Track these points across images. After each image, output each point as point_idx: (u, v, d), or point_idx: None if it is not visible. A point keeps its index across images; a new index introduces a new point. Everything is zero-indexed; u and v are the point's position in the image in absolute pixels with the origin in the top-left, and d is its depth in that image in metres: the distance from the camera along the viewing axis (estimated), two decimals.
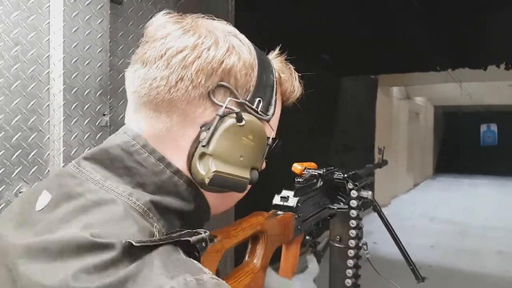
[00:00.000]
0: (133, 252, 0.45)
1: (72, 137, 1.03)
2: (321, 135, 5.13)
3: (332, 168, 1.05)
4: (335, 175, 1.05)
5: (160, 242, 0.46)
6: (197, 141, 0.56)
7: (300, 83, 0.70)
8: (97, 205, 0.50)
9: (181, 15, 0.58)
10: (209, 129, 0.55)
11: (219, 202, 0.63)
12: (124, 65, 1.16)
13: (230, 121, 0.56)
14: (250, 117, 0.59)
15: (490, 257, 4.76)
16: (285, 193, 0.84)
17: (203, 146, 0.55)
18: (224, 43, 0.56)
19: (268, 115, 0.62)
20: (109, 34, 1.11)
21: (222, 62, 0.55)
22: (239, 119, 0.57)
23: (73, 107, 1.02)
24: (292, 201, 0.83)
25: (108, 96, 1.11)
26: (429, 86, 8.46)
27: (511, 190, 9.91)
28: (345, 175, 1.05)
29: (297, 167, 0.95)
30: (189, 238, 0.48)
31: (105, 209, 0.49)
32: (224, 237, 0.61)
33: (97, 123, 1.09)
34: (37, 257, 0.46)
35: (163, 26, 0.56)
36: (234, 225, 0.68)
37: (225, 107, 0.56)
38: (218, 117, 0.55)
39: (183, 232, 0.50)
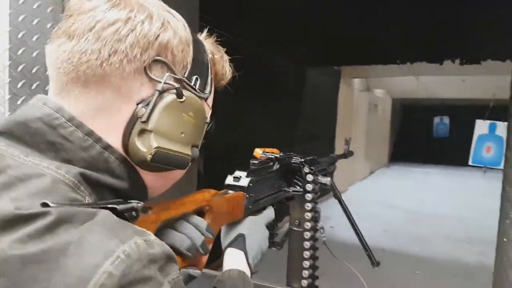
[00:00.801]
0: (68, 219, 0.42)
1: (19, 103, 0.97)
2: (285, 123, 5.17)
3: (291, 153, 1.06)
4: (293, 159, 1.06)
5: (83, 207, 0.44)
6: (134, 117, 0.54)
7: (231, 66, 0.70)
8: (20, 180, 0.46)
9: None
10: (147, 105, 0.53)
11: (157, 182, 0.61)
12: None
13: (171, 97, 0.55)
14: (190, 94, 0.58)
15: (439, 242, 5.03)
16: (238, 173, 0.84)
17: (143, 122, 0.53)
18: (158, 18, 0.55)
19: (205, 94, 0.62)
20: (62, 8, 1.04)
21: (158, 36, 0.54)
22: (180, 95, 0.56)
23: (19, 85, 0.96)
24: (244, 181, 0.83)
25: None
26: (388, 79, 8.73)
27: (460, 179, 10.47)
28: (302, 160, 1.06)
29: (257, 151, 0.95)
30: (116, 206, 0.47)
31: (30, 183, 0.46)
32: (160, 209, 0.59)
33: (46, 87, 1.03)
34: None
35: None
36: (176, 199, 0.66)
37: (164, 83, 0.54)
38: (157, 93, 0.54)
39: (111, 201, 0.48)
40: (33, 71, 0.99)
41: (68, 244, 0.41)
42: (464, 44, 4.00)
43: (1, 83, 0.94)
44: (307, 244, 1.08)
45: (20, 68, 0.96)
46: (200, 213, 0.73)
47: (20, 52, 0.96)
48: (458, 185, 9.63)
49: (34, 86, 1.00)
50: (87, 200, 0.49)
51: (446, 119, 12.20)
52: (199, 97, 0.60)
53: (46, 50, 0.55)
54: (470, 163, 5.80)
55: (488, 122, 5.65)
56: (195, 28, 0.63)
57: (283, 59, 4.87)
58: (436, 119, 12.35)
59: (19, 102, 0.97)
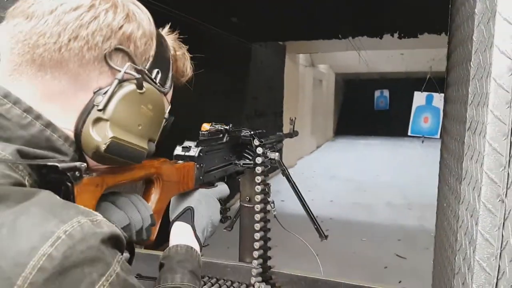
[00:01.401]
0: (2, 198, 0.40)
1: None
2: (233, 100, 5.15)
3: (241, 127, 1.06)
4: (242, 132, 1.06)
5: (21, 162, 0.42)
6: (90, 105, 0.52)
7: (191, 64, 0.70)
8: None
9: None
10: (105, 93, 0.52)
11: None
12: None
13: (130, 86, 0.54)
14: (149, 86, 0.57)
15: (382, 209, 5.35)
16: (187, 143, 0.83)
17: (99, 110, 0.51)
18: (123, 8, 0.54)
19: (165, 88, 0.62)
20: None
21: (121, 26, 0.53)
22: (140, 86, 0.55)
23: None
24: (194, 151, 0.82)
25: None
26: (331, 54, 8.94)
27: (400, 149, 11.10)
28: (252, 132, 1.07)
29: (205, 126, 0.94)
30: (57, 164, 0.45)
31: None
32: (106, 172, 0.56)
33: None
34: None
35: None
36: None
37: (124, 72, 0.53)
38: (116, 81, 0.52)
39: (52, 159, 0.46)
40: None
41: (1, 226, 0.38)
42: (402, 18, 4.16)
43: None
44: (257, 217, 1.10)
45: None
46: (149, 181, 0.71)
47: None
48: (398, 155, 10.22)
49: None
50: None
51: (386, 92, 12.78)
52: (159, 91, 0.59)
53: None
54: (409, 133, 6.15)
55: (425, 93, 5.99)
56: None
57: (228, 35, 4.81)
58: (377, 93, 12.90)
59: None
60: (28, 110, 0.48)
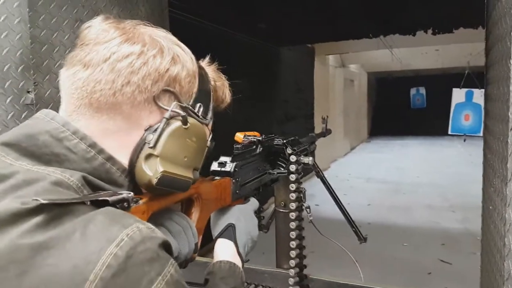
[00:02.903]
0: (71, 212, 0.46)
1: None
2: (263, 105, 5.16)
3: (272, 135, 1.07)
4: (275, 141, 1.07)
5: (75, 201, 0.47)
6: (142, 142, 0.58)
7: (230, 90, 0.75)
8: (27, 183, 0.48)
9: (118, 21, 0.60)
10: (155, 131, 0.58)
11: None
12: (46, 36, 1.06)
13: (176, 123, 0.60)
14: (193, 120, 0.63)
15: (421, 211, 5.17)
16: (222, 159, 0.85)
17: (150, 147, 0.57)
18: (169, 52, 0.59)
19: (207, 119, 0.67)
20: (27, 3, 1.00)
21: (168, 69, 0.58)
22: (185, 122, 0.60)
23: None
24: (230, 166, 0.84)
25: (32, 71, 1.02)
26: (362, 53, 8.78)
27: (440, 149, 10.73)
28: (284, 141, 1.07)
29: (239, 136, 0.95)
30: (107, 198, 0.49)
31: (37, 185, 0.48)
32: (150, 199, 0.60)
33: (21, 101, 1.01)
34: None
35: (105, 30, 0.57)
36: None
37: (171, 111, 0.58)
38: (164, 120, 0.58)
39: (101, 193, 0.51)
40: (5, 69, 0.96)
41: (73, 232, 0.44)
42: (436, 14, 4.03)
43: None
44: (293, 225, 1.10)
45: None
46: (189, 201, 0.73)
47: None
48: (437, 155, 9.88)
49: (7, 84, 0.97)
50: (88, 203, 0.50)
51: (422, 90, 12.39)
52: (202, 123, 0.65)
53: (61, 75, 0.58)
54: (449, 132, 5.93)
55: (464, 90, 5.76)
56: (165, 16, 0.63)
57: (256, 40, 4.83)
58: (412, 91, 12.53)
59: None
60: (92, 145, 0.55)
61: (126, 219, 0.47)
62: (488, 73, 1.11)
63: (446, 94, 5.91)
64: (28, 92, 1.02)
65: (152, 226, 0.48)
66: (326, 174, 1.26)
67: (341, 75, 9.46)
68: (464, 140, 5.40)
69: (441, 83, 8.98)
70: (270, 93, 5.57)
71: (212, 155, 0.86)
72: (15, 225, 0.44)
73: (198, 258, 0.60)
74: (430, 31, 4.76)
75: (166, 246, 0.48)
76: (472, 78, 5.39)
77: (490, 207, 0.94)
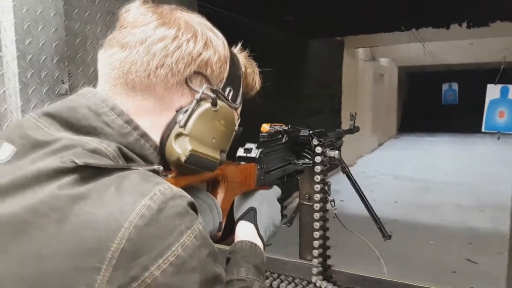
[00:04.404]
0: (108, 171, 0.49)
1: (31, 107, 0.99)
2: (289, 98, 5.15)
3: (299, 126, 1.07)
4: (301, 132, 1.07)
5: (110, 166, 0.50)
6: (173, 122, 0.61)
7: (260, 78, 0.77)
8: (67, 148, 0.52)
9: (156, 6, 0.62)
10: (186, 112, 0.60)
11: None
12: (80, 29, 1.10)
13: (206, 105, 0.63)
14: (223, 104, 0.65)
15: (449, 210, 5.04)
16: (248, 145, 0.87)
17: (181, 127, 0.60)
18: (202, 37, 0.62)
19: (236, 104, 0.70)
20: None
21: (200, 54, 0.61)
22: (214, 104, 0.63)
23: (29, 75, 0.98)
24: (255, 153, 0.86)
25: (66, 63, 1.06)
26: (393, 46, 8.56)
27: (472, 147, 10.39)
28: (311, 132, 1.08)
29: (265, 127, 0.97)
30: (138, 167, 0.53)
31: (76, 149, 0.52)
32: (178, 175, 0.63)
33: (56, 91, 1.05)
34: (14, 191, 0.49)
35: (143, 14, 0.60)
36: None
37: (202, 93, 0.61)
38: (195, 101, 0.61)
39: (133, 164, 0.55)
40: (41, 60, 1.00)
41: (109, 186, 0.48)
42: (470, 6, 3.87)
43: (11, 74, 0.95)
44: (317, 216, 1.10)
45: (28, 58, 0.97)
46: (215, 182, 0.75)
47: (27, 42, 0.97)
48: (469, 153, 9.57)
49: (43, 75, 1.01)
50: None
51: (454, 86, 11.98)
52: (231, 107, 0.68)
53: (99, 56, 0.62)
54: (483, 129, 5.73)
55: (499, 86, 5.55)
56: (194, 8, 0.65)
57: (284, 33, 4.80)
58: (445, 86, 12.13)
59: (30, 92, 0.98)
60: (128, 122, 0.58)
61: (158, 179, 0.51)
62: None
63: (479, 90, 5.70)
64: (63, 82, 1.07)
65: (180, 188, 0.52)
66: (352, 170, 1.25)
67: (370, 69, 9.27)
68: (498, 138, 5.21)
69: (474, 78, 8.68)
70: (297, 86, 5.54)
71: (239, 142, 0.88)
72: (55, 180, 0.48)
73: (220, 246, 0.62)
74: (464, 25, 4.60)
75: (194, 207, 0.52)
76: (508, 73, 5.18)
77: None
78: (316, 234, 1.10)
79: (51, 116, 0.56)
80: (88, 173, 0.49)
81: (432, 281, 1.19)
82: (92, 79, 0.62)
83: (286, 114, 4.88)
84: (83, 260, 0.44)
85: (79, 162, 0.48)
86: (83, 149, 0.52)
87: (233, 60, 0.68)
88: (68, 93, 1.07)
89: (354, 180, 1.30)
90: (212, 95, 0.63)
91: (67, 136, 0.54)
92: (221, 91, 0.65)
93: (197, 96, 0.61)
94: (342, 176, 1.34)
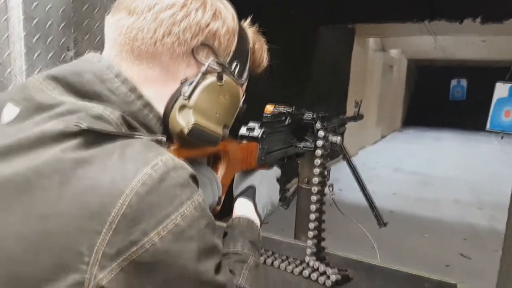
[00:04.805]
0: (111, 137, 0.50)
1: (35, 72, 0.99)
2: (295, 84, 5.11)
3: (303, 109, 1.07)
4: (305, 115, 1.07)
5: (113, 133, 0.50)
6: (177, 93, 0.60)
7: (268, 55, 0.75)
8: (71, 113, 0.52)
9: None
10: (191, 84, 0.59)
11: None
12: None
13: (212, 78, 0.62)
14: (228, 78, 0.64)
15: (447, 205, 5.05)
16: (251, 124, 0.87)
17: (185, 99, 0.59)
18: (211, 7, 0.60)
19: (242, 79, 0.69)
20: None
21: (208, 24, 0.59)
22: (220, 78, 0.62)
23: (34, 39, 0.97)
24: (258, 132, 0.86)
25: (72, 30, 1.05)
26: (404, 38, 8.45)
27: (475, 145, 10.36)
28: (314, 115, 1.07)
29: (269, 108, 0.96)
30: (142, 136, 0.53)
31: (80, 114, 0.52)
32: (181, 146, 0.63)
33: (62, 58, 1.04)
34: (17, 151, 0.49)
35: None
36: None
37: (208, 66, 0.60)
38: (200, 74, 0.60)
39: (137, 132, 0.55)
40: (47, 25, 0.99)
41: (112, 152, 0.48)
42: (486, 1, 3.81)
43: (16, 37, 0.95)
44: (314, 199, 1.11)
45: (34, 22, 0.96)
46: (216, 157, 0.76)
47: (33, 6, 0.96)
48: (472, 150, 9.54)
49: (48, 40, 1.00)
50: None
51: (463, 82, 11.88)
52: (236, 82, 0.67)
53: (106, 21, 0.61)
54: (487, 127, 5.69)
55: (508, 85, 5.49)
56: None
57: (294, 17, 4.74)
58: (453, 82, 12.03)
59: (35, 57, 0.98)
60: (132, 90, 0.57)
61: (161, 149, 0.52)
62: None
63: (488, 88, 5.65)
64: (68, 50, 1.06)
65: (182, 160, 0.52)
66: (353, 160, 1.25)
67: (380, 59, 9.17)
68: (502, 137, 5.18)
69: (484, 76, 8.57)
70: (304, 72, 5.49)
71: (241, 120, 0.88)
72: (59, 143, 0.48)
73: (218, 223, 0.62)
74: (478, 20, 4.53)
75: (195, 179, 0.52)
76: None
77: None
78: (312, 217, 1.10)
79: (55, 79, 0.56)
80: (92, 138, 0.49)
81: (425, 272, 1.21)
82: (98, 48, 0.61)
83: (291, 99, 4.85)
84: (85, 223, 0.45)
85: (84, 126, 0.48)
86: (87, 114, 0.51)
87: (241, 34, 0.67)
88: (73, 60, 1.06)
89: (354, 167, 1.30)
90: (218, 68, 0.62)
91: (71, 101, 0.54)
92: (227, 66, 0.64)
93: (203, 68, 0.60)
94: (342, 165, 1.34)
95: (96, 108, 0.53)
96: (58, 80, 0.56)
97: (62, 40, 1.04)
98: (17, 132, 0.51)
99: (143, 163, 0.48)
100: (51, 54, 1.02)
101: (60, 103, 0.53)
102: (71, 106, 0.52)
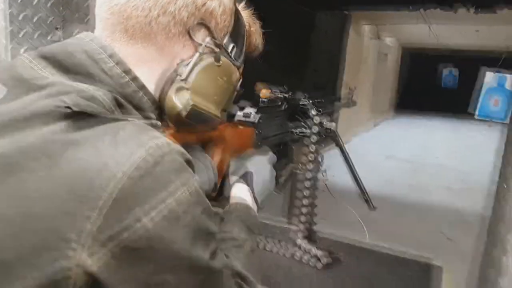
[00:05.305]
0: (105, 120, 0.48)
1: (21, 52, 0.96)
2: (293, 72, 5.08)
3: (300, 93, 1.07)
4: (301, 101, 1.07)
5: (108, 116, 0.49)
6: (174, 75, 0.58)
7: (263, 39, 0.74)
8: (62, 94, 0.50)
9: None
10: (187, 65, 0.58)
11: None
12: None
13: (209, 59, 0.60)
14: (226, 60, 0.63)
15: (439, 192, 5.11)
16: (248, 109, 0.86)
17: (182, 80, 0.57)
18: None
19: (239, 62, 0.67)
20: None
21: (205, 3, 0.58)
22: (217, 59, 0.60)
23: (20, 17, 0.94)
24: (254, 117, 0.86)
25: (61, 8, 1.02)
26: (399, 26, 8.42)
27: (465, 133, 10.41)
28: (310, 101, 1.07)
29: (265, 93, 0.96)
30: (136, 119, 0.52)
31: (71, 95, 0.50)
32: (176, 132, 0.63)
33: (49, 37, 1.02)
34: (3, 132, 0.46)
35: None
36: None
37: (205, 46, 0.59)
38: (198, 54, 0.59)
39: (131, 116, 0.53)
40: (34, 2, 0.96)
41: (104, 134, 0.47)
42: None
43: (1, 15, 0.92)
44: (307, 183, 1.12)
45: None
46: (212, 143, 0.76)
47: None
48: (461, 138, 9.60)
49: (35, 18, 0.97)
50: None
51: (455, 71, 11.94)
52: (234, 65, 0.65)
53: (97, 0, 0.59)
54: (476, 116, 5.76)
55: (498, 75, 5.54)
56: None
57: (291, 2, 4.69)
58: (445, 71, 12.09)
59: (21, 35, 0.95)
60: (127, 71, 0.55)
61: (156, 133, 0.50)
62: None
63: (479, 77, 5.69)
64: (57, 29, 1.03)
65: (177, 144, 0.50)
66: (346, 147, 1.25)
67: (375, 47, 9.12)
68: (490, 126, 5.24)
69: (475, 65, 8.60)
70: (301, 60, 5.46)
71: (238, 104, 0.87)
72: (48, 124, 0.47)
73: (214, 209, 0.62)
74: (472, 10, 4.53)
75: (191, 164, 0.51)
76: (509, 63, 5.15)
77: (505, 185, 0.93)
78: (305, 201, 1.11)
79: (46, 58, 0.54)
80: (83, 120, 0.47)
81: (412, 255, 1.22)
82: (87, 29, 0.59)
83: (290, 86, 4.83)
84: (74, 207, 0.43)
85: (75, 108, 0.46)
86: (79, 95, 0.50)
87: (238, 16, 0.65)
88: (62, 40, 1.04)
89: (347, 152, 1.31)
90: (216, 49, 0.60)
91: (62, 81, 0.52)
92: (224, 47, 0.62)
93: (200, 48, 0.59)
94: (334, 152, 1.34)
95: (88, 89, 0.51)
96: (49, 59, 0.54)
97: (50, 19, 1.01)
98: (4, 112, 0.49)
99: (137, 146, 0.46)
100: (38, 33, 0.99)
101: (51, 84, 0.51)
102: (62, 87, 0.51)
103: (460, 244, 3.48)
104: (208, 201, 0.53)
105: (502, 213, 0.88)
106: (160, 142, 0.48)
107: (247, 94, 0.95)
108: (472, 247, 2.87)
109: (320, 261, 1.08)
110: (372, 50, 8.94)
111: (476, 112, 5.34)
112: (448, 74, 12.11)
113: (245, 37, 0.68)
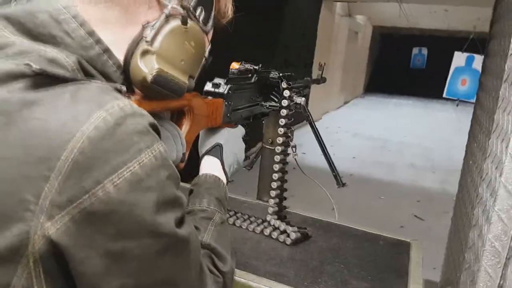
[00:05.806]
0: (64, 79, 0.46)
1: None
2: (264, 47, 5.04)
3: (270, 68, 1.05)
4: (271, 74, 1.06)
5: (70, 77, 0.47)
6: (138, 37, 0.55)
7: (233, 6, 0.70)
8: (22, 54, 0.47)
9: None
10: (153, 27, 0.55)
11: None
12: None
13: (176, 22, 0.57)
14: (193, 24, 0.60)
15: (402, 169, 5.29)
16: (217, 80, 0.84)
17: (147, 42, 0.55)
18: None
19: (207, 27, 0.64)
20: None
21: None
22: (184, 22, 0.57)
23: None
24: (223, 88, 0.84)
25: None
26: (370, 4, 8.48)
27: (433, 112, 10.77)
28: (280, 74, 1.06)
29: (234, 65, 0.94)
30: (99, 82, 0.49)
31: (32, 55, 0.47)
32: (142, 98, 0.59)
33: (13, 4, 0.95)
34: None
35: None
36: None
37: (171, 7, 0.56)
38: (164, 15, 0.56)
39: (94, 79, 0.51)
40: None
41: (64, 93, 0.44)
42: None
43: None
44: (277, 158, 1.12)
45: None
46: (180, 113, 0.73)
47: None
48: (429, 117, 9.93)
49: None
50: None
51: (424, 50, 12.17)
52: (202, 30, 0.62)
53: None
54: (444, 95, 5.92)
55: (466, 54, 5.68)
56: None
57: None
58: (415, 50, 12.30)
59: None
60: (91, 33, 0.52)
61: (118, 94, 0.48)
62: (492, 28, 1.08)
63: (447, 57, 5.82)
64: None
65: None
66: (316, 125, 1.25)
67: (346, 25, 9.17)
68: (457, 105, 5.42)
69: (444, 45, 8.82)
70: (273, 36, 5.41)
71: (206, 77, 0.85)
72: (6, 84, 0.44)
73: (182, 184, 0.61)
74: None
75: (155, 128, 0.48)
76: (476, 43, 5.29)
77: (470, 162, 0.96)
78: (275, 176, 1.11)
79: (6, 18, 0.50)
80: (43, 80, 0.44)
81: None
82: None
83: (260, 62, 4.79)
84: (31, 168, 0.41)
85: (35, 68, 0.43)
86: (40, 56, 0.47)
87: None
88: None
89: (316, 129, 1.31)
90: (183, 11, 0.57)
91: (23, 42, 0.49)
92: (192, 9, 0.59)
93: (166, 10, 0.56)
94: (305, 130, 1.34)
95: (50, 50, 0.48)
96: (9, 19, 0.50)
97: None
98: None
99: (97, 105, 0.44)
100: None
101: (11, 44, 0.48)
102: (23, 47, 0.48)
103: (426, 221, 3.63)
104: (174, 167, 0.51)
105: (468, 189, 0.91)
106: (123, 103, 0.45)
107: (221, 71, 0.93)
108: (437, 224, 3.01)
109: (289, 237, 1.09)
110: (342, 27, 8.97)
111: (444, 92, 5.46)
112: (418, 53, 12.32)
113: (214, 1, 0.65)
